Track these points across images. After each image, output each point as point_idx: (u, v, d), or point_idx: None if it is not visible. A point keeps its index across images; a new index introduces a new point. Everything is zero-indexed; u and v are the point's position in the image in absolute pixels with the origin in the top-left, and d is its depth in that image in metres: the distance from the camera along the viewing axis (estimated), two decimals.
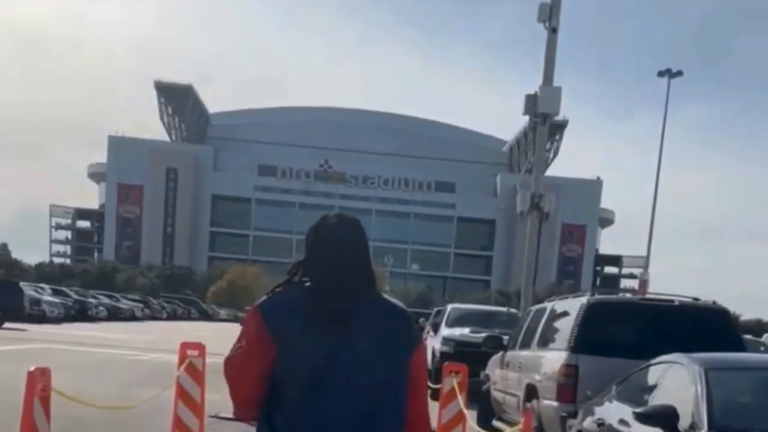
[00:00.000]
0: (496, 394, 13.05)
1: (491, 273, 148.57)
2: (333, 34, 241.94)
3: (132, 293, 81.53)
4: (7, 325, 34.39)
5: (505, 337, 13.91)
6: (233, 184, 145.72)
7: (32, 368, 5.98)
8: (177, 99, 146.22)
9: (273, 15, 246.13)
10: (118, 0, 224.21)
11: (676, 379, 6.65)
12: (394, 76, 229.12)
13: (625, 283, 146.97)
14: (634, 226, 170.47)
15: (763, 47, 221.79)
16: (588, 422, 7.96)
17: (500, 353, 13.22)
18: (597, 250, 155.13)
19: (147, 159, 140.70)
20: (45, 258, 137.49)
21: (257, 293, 48.97)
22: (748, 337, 29.27)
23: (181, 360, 8.92)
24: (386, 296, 3.29)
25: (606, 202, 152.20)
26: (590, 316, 9.79)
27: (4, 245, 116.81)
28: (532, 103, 22.86)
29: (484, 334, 18.85)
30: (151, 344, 29.37)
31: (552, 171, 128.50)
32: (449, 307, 23.01)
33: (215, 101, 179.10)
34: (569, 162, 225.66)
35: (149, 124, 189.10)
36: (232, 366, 3.19)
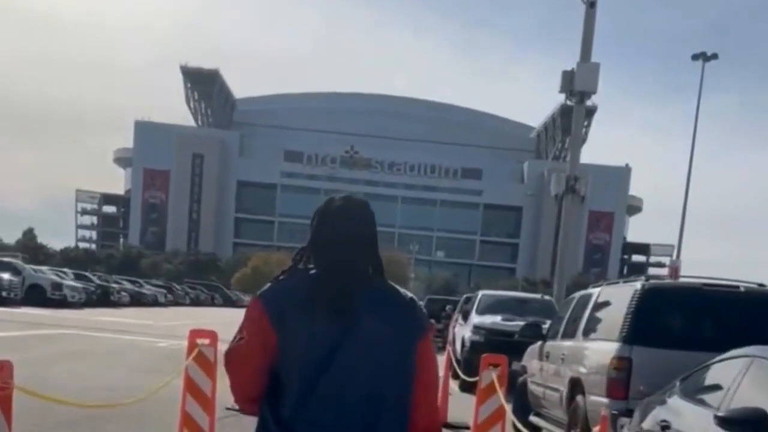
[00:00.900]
0: (534, 388, 12.06)
1: (517, 261, 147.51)
2: (360, 19, 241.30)
3: (156, 279, 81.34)
4: (26, 309, 34.00)
5: (544, 326, 12.96)
6: (259, 169, 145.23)
7: None
8: (203, 84, 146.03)
9: (299, 1, 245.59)
10: None
11: (760, 377, 5.69)
12: (421, 62, 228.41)
13: (652, 271, 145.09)
14: (663, 214, 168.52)
15: None
16: (649, 423, 6.97)
17: (539, 343, 12.24)
18: (624, 238, 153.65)
19: (173, 144, 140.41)
20: (71, 243, 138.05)
21: None
22: None
23: (190, 349, 8.02)
24: (392, 283, 3.12)
25: (634, 189, 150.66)
26: (645, 304, 8.77)
27: (31, 230, 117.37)
28: (568, 80, 21.94)
29: (517, 322, 18.05)
30: (170, 331, 28.69)
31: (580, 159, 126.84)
32: (480, 293, 21.98)
33: (242, 87, 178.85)
34: (597, 149, 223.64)
35: (176, 110, 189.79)
36: (233, 358, 3.05)
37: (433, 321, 23.32)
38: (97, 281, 52.19)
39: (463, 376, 15.13)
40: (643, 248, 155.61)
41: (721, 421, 5.32)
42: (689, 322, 9.04)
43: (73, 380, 14.00)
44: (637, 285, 9.08)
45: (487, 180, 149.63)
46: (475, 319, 19.56)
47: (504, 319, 18.95)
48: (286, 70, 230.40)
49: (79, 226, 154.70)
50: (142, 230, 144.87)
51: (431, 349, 3.12)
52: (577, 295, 11.68)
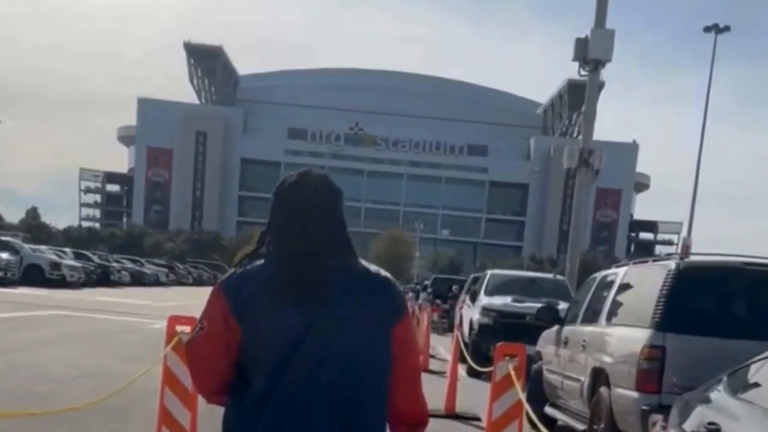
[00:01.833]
0: (550, 377, 11.11)
1: (523, 239, 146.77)
2: None
3: (160, 258, 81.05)
4: (24, 290, 33.44)
5: (561, 309, 12.05)
6: (263, 147, 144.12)
7: None
8: (207, 61, 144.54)
9: None
10: None
11: None
12: (425, 38, 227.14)
13: (660, 249, 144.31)
14: (670, 191, 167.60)
15: None
16: (693, 424, 6.00)
17: (555, 328, 11.30)
18: (631, 216, 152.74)
19: (176, 122, 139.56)
20: (75, 222, 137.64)
21: None
22: None
23: (169, 338, 7.12)
24: (365, 262, 2.95)
25: (641, 166, 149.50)
26: (681, 285, 7.77)
27: (34, 209, 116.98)
28: (582, 48, 20.96)
29: (529, 304, 17.24)
30: (168, 312, 27.73)
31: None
32: (489, 273, 21.05)
33: (245, 63, 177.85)
34: (603, 125, 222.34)
35: (179, 87, 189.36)
36: (194, 350, 2.91)
37: (438, 302, 22.68)
38: (97, 261, 51.75)
39: (470, 362, 14.27)
40: (651, 226, 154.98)
41: None
42: (730, 306, 8.09)
43: (58, 366, 13.24)
44: (671, 264, 8.08)
45: (492, 157, 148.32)
46: (484, 300, 18.69)
47: (514, 301, 18.11)
48: (291, 47, 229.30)
49: (82, 205, 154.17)
50: (145, 209, 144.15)
51: (410, 334, 2.98)
52: (599, 275, 10.68)
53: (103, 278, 48.09)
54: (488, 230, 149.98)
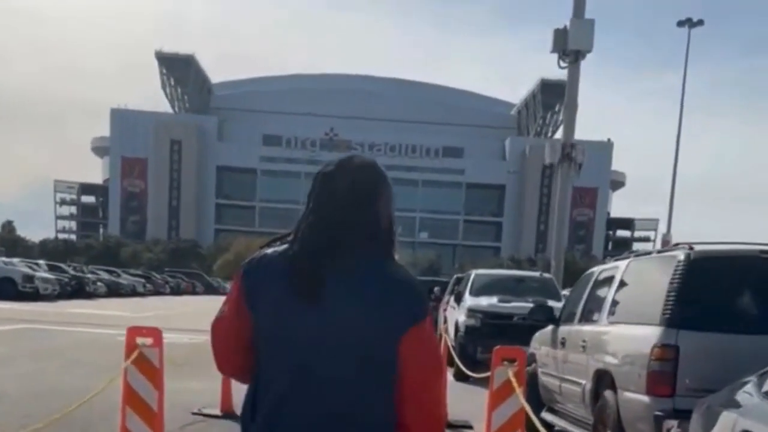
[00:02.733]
0: (546, 380, 10.40)
1: (501, 239, 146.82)
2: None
3: (137, 268, 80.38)
4: None
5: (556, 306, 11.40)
6: (238, 154, 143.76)
7: None
8: (179, 69, 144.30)
9: None
10: None
11: None
12: (399, 41, 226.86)
13: (637, 246, 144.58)
14: (646, 188, 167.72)
15: None
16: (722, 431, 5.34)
17: (550, 328, 10.61)
18: (608, 214, 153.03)
19: (150, 131, 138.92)
20: (51, 235, 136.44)
21: None
22: None
23: (129, 350, 6.38)
24: (394, 263, 2.68)
25: (616, 164, 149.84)
26: (693, 277, 7.03)
27: (10, 222, 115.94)
28: (561, 39, 20.35)
29: (516, 304, 16.79)
30: (143, 322, 27.02)
31: (561, 134, 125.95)
32: (473, 273, 20.36)
33: (218, 71, 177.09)
34: (579, 124, 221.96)
35: (152, 97, 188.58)
36: (216, 331, 2.82)
37: None
38: (72, 272, 50.69)
39: (460, 366, 13.63)
40: (627, 223, 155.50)
41: None
42: (748, 298, 7.40)
43: (20, 384, 12.46)
44: (680, 254, 7.30)
45: (468, 158, 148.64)
46: (469, 301, 17.99)
47: (501, 301, 17.45)
48: (262, 53, 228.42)
49: (58, 217, 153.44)
50: (122, 219, 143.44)
51: (425, 341, 2.65)
52: (596, 270, 9.95)
53: (78, 290, 46.99)
54: (466, 232, 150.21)
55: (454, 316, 18.77)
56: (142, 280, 64.69)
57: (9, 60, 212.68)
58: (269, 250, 2.72)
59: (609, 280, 8.98)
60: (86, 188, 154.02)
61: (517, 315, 16.13)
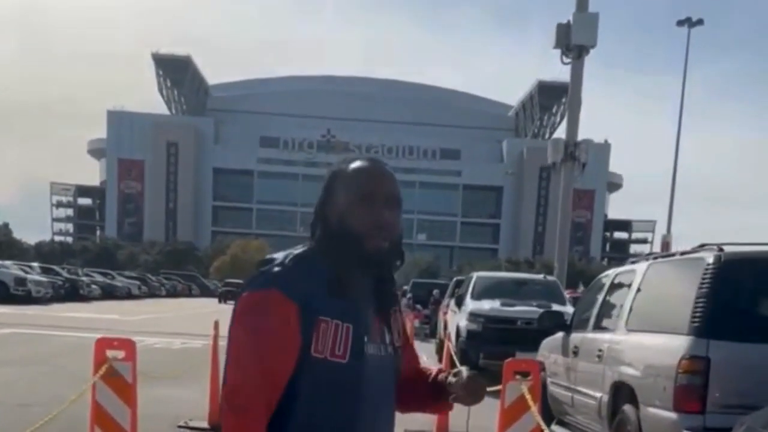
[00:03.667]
0: (556, 391, 9.75)
1: (499, 241, 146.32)
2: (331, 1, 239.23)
3: (134, 271, 79.95)
4: None
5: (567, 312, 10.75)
6: (235, 156, 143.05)
7: None
8: (175, 71, 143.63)
9: None
10: None
11: None
12: (396, 43, 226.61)
13: (635, 248, 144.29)
14: (643, 190, 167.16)
15: None
16: None
17: (560, 335, 9.95)
18: (606, 215, 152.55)
19: (147, 133, 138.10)
20: (48, 237, 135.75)
21: None
22: None
23: (98, 365, 5.71)
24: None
25: (613, 165, 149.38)
26: (724, 282, 6.37)
27: (6, 225, 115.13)
28: (564, 34, 19.70)
29: (519, 308, 16.24)
30: (136, 326, 26.67)
31: (559, 135, 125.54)
32: (475, 275, 19.75)
33: (214, 73, 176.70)
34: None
35: (149, 98, 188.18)
36: (245, 398, 2.26)
37: (419, 307, 21.33)
38: (66, 275, 50.05)
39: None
40: (625, 225, 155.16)
41: None
42: None
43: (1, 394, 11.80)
44: (708, 257, 6.64)
45: (465, 160, 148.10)
46: (471, 305, 17.37)
47: (503, 305, 16.84)
48: (259, 55, 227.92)
49: (54, 220, 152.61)
50: (119, 221, 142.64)
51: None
52: (611, 273, 9.28)
53: (72, 293, 46.44)
54: (464, 233, 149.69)
55: (455, 320, 18.18)
56: (138, 283, 64.23)
57: (4, 61, 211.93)
58: (295, 265, 2.45)
59: (626, 285, 8.33)
60: (83, 190, 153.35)
61: (521, 319, 15.55)
